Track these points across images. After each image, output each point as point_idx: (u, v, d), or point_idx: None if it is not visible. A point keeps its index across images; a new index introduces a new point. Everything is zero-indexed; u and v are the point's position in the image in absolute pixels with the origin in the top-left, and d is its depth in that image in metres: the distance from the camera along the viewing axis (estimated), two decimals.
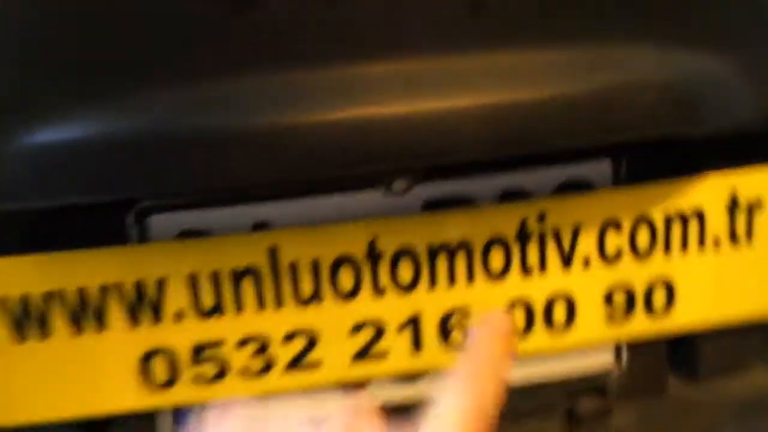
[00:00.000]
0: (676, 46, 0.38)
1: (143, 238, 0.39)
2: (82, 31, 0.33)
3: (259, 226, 0.40)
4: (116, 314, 0.38)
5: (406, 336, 0.42)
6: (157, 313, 0.39)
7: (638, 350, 0.46)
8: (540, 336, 0.44)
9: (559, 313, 0.43)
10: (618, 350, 0.47)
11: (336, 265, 0.40)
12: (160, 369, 0.40)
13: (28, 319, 0.38)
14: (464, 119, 0.35)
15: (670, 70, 0.38)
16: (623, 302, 0.44)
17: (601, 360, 0.46)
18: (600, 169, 0.44)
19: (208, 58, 0.33)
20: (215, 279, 0.39)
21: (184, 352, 0.40)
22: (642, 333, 0.45)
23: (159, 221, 0.39)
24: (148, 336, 0.39)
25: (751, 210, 0.44)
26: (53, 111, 0.33)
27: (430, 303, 0.42)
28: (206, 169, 0.33)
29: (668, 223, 0.44)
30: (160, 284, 0.38)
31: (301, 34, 0.34)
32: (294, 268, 0.40)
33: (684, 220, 0.44)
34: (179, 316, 0.39)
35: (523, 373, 0.45)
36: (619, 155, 0.44)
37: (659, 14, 0.38)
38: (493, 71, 0.36)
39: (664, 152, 0.44)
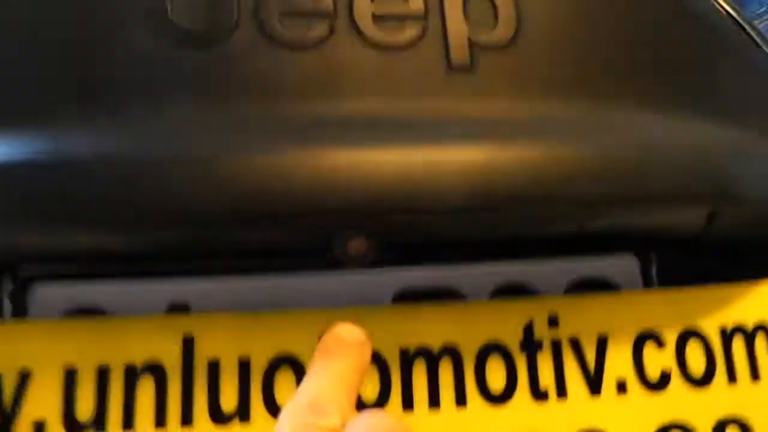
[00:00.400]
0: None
1: (20, 310, 0.29)
2: None
3: (174, 309, 0.31)
4: None
5: None
6: (8, 419, 0.27)
7: None
8: None
9: None
10: None
11: (272, 368, 0.29)
12: None
13: None
14: (449, 177, 0.28)
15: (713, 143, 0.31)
16: None
17: None
18: (623, 264, 0.35)
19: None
20: (100, 376, 0.28)
21: None
22: None
23: (41, 292, 0.30)
24: None
25: None
26: None
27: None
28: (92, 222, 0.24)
29: (727, 339, 0.33)
30: (22, 379, 0.28)
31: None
32: (212, 368, 0.29)
33: (748, 336, 0.33)
34: (38, 428, 0.27)
35: None
36: (647, 250, 0.35)
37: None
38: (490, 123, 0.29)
39: (707, 247, 0.35)
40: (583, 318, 0.32)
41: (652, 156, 0.30)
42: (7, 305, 0.29)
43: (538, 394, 0.31)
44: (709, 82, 0.34)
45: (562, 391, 0.31)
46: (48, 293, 0.30)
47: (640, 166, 0.29)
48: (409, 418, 0.29)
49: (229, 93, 0.28)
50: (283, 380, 0.29)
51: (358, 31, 0.30)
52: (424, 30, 0.30)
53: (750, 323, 0.33)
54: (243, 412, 0.29)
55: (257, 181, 0.26)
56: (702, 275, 0.35)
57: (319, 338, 0.30)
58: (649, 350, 0.32)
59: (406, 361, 0.30)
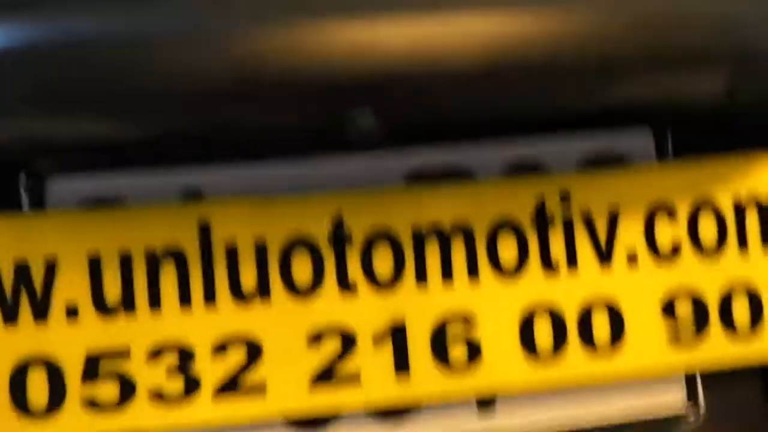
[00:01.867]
0: None
1: (38, 203, 0.30)
2: None
3: (189, 195, 0.31)
4: None
5: (386, 351, 0.30)
6: (42, 306, 0.29)
7: (720, 385, 0.33)
8: (575, 357, 0.31)
9: (601, 326, 0.31)
10: (691, 384, 0.33)
11: (288, 250, 0.30)
12: (39, 387, 0.29)
13: None
14: (456, 52, 0.26)
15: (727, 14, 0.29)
16: (690, 314, 0.32)
17: (668, 398, 0.33)
18: (638, 139, 0.34)
19: None
20: (124, 263, 0.29)
21: (73, 364, 0.29)
22: (721, 358, 0.32)
23: (60, 187, 0.30)
24: (26, 338, 0.29)
25: None
26: None
27: (418, 306, 0.30)
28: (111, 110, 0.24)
29: (739, 210, 0.33)
30: (51, 266, 0.29)
31: None
32: (232, 253, 0.30)
33: (763, 208, 0.33)
34: (71, 312, 0.29)
35: (551, 417, 0.32)
36: (663, 122, 0.34)
37: None
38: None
39: (721, 121, 0.34)
40: (594, 193, 0.32)
41: (670, 16, 0.28)
42: (25, 200, 0.30)
43: (549, 267, 0.31)
44: None
45: (572, 263, 0.31)
46: (64, 186, 0.30)
47: (657, 27, 0.28)
48: (422, 294, 0.30)
49: None
50: (300, 261, 0.30)
51: None
52: None
53: (764, 193, 0.33)
54: (263, 291, 0.30)
55: (265, 57, 0.25)
56: (717, 152, 0.34)
57: (332, 221, 0.31)
58: (661, 222, 0.32)
59: (419, 239, 0.31)
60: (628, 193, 0.32)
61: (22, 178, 0.30)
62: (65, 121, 0.26)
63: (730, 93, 0.31)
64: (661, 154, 0.34)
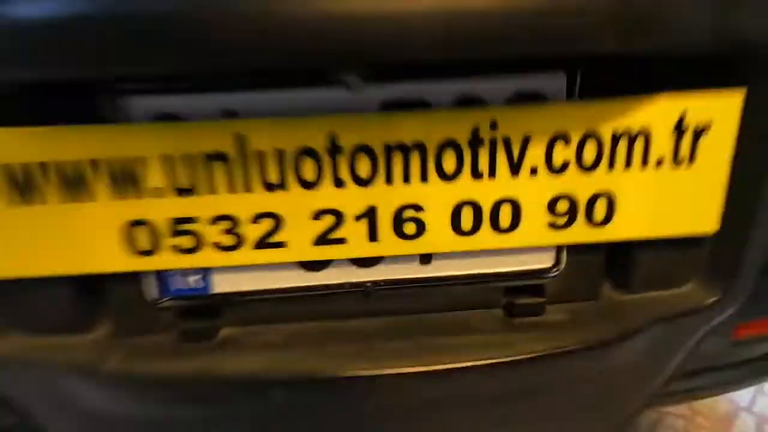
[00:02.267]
0: None
1: (124, 119, 0.44)
2: None
3: (228, 115, 0.44)
4: (102, 186, 0.43)
5: (363, 225, 0.47)
6: (138, 188, 0.44)
7: (577, 256, 0.51)
8: (486, 235, 0.48)
9: (505, 215, 0.47)
10: (558, 254, 0.51)
11: (299, 156, 0.44)
12: (142, 238, 0.45)
13: (27, 187, 0.43)
14: (415, 18, 0.37)
15: None
16: (566, 210, 0.48)
17: (542, 262, 0.51)
18: (554, 82, 0.47)
19: None
20: (188, 161, 0.43)
21: (163, 225, 0.45)
22: (581, 240, 0.49)
23: (137, 104, 0.43)
24: (130, 208, 0.44)
25: (697, 134, 0.47)
26: None
27: (386, 197, 0.46)
28: (172, 51, 0.36)
29: (615, 140, 0.46)
30: (140, 162, 0.43)
31: None
32: (260, 156, 0.44)
33: (631, 139, 0.46)
34: (158, 192, 0.44)
35: (468, 268, 0.50)
36: (573, 69, 0.47)
37: None
38: None
39: (618, 70, 0.46)
40: (515, 123, 0.46)
41: None
42: (107, 114, 0.43)
43: (477, 175, 0.46)
44: None
45: (492, 173, 0.46)
46: (139, 103, 0.43)
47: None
48: (389, 189, 0.46)
49: None
50: (306, 164, 0.44)
51: None
52: None
53: (636, 130, 0.47)
54: (282, 183, 0.45)
55: (273, 27, 0.36)
56: (612, 90, 0.46)
57: (328, 136, 0.44)
58: (558, 147, 0.46)
59: (388, 152, 0.45)
60: (538, 124, 0.46)
61: (110, 96, 0.43)
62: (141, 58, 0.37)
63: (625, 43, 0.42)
64: (570, 94, 0.47)
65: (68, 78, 0.39)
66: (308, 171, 0.45)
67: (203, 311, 0.49)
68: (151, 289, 0.49)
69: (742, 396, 1.89)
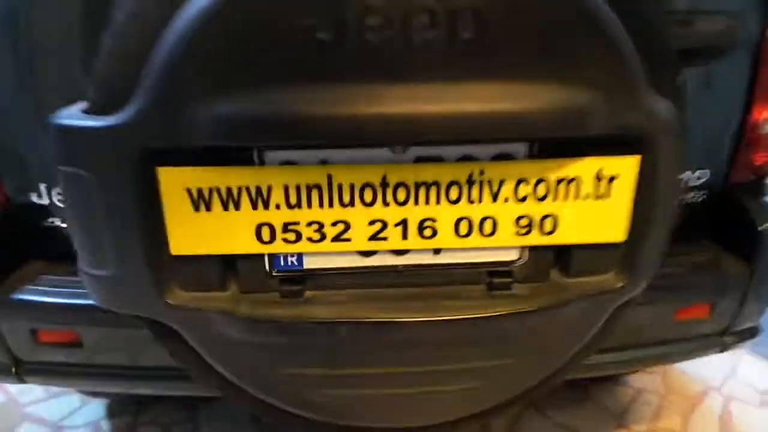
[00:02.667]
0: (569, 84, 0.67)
1: (262, 163, 0.73)
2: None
3: (323, 162, 0.73)
4: (246, 203, 0.73)
5: (399, 230, 0.75)
6: (266, 203, 0.73)
7: (533, 252, 0.79)
8: (476, 238, 0.76)
9: (488, 226, 0.76)
10: (521, 251, 0.80)
11: (363, 187, 0.73)
12: (265, 233, 0.75)
13: (201, 201, 0.72)
14: (436, 119, 0.65)
15: (564, 101, 0.67)
16: (526, 224, 0.76)
17: (511, 256, 0.80)
18: (519, 148, 0.75)
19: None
20: (297, 188, 0.73)
21: (278, 226, 0.74)
22: (535, 243, 0.77)
23: (272, 155, 0.73)
24: (260, 215, 0.74)
25: (610, 180, 0.74)
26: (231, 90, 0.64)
27: (414, 213, 0.75)
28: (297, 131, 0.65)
29: (558, 183, 0.74)
30: (268, 189, 0.72)
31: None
32: (340, 187, 0.73)
33: (568, 182, 0.74)
34: (277, 207, 0.73)
35: (464, 259, 0.79)
36: (532, 141, 0.74)
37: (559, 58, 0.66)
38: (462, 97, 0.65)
39: (560, 142, 0.74)
40: (495, 171, 0.74)
41: None
42: (254, 160, 0.72)
43: (470, 201, 0.74)
44: None
45: (480, 200, 0.74)
46: (271, 155, 0.72)
47: None
48: (416, 209, 0.74)
49: None
50: (367, 193, 0.73)
51: None
52: None
53: (570, 176, 0.74)
54: (352, 203, 0.73)
55: (364, 123, 0.65)
56: (556, 153, 0.74)
57: (381, 176, 0.72)
58: (521, 186, 0.74)
59: (417, 187, 0.73)
60: (509, 172, 0.74)
61: (255, 151, 0.72)
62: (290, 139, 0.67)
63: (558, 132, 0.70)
64: (529, 155, 0.75)
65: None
66: (368, 196, 0.74)
67: (297, 280, 0.79)
68: (267, 264, 0.79)
69: (714, 377, 2.17)
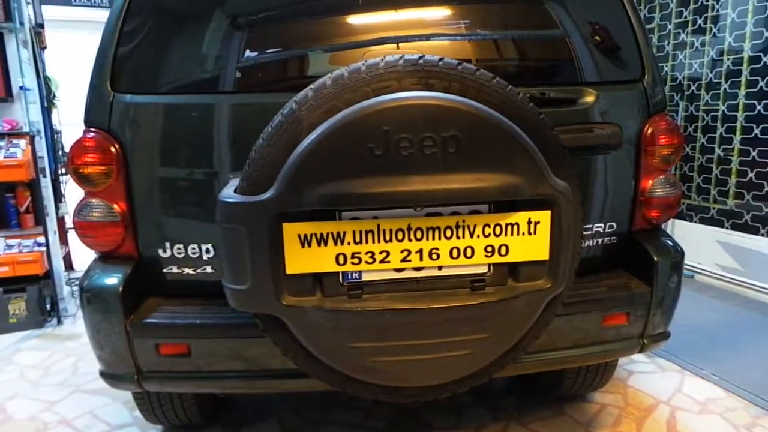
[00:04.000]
0: (508, 172, 1.26)
1: (340, 218, 1.29)
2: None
3: (374, 217, 1.29)
4: (330, 241, 1.28)
5: (418, 255, 1.30)
6: (342, 242, 1.29)
7: (496, 268, 1.35)
8: (462, 260, 1.32)
9: (469, 252, 1.32)
10: (489, 267, 1.35)
11: (397, 231, 1.29)
12: (340, 259, 1.29)
13: (305, 241, 1.28)
14: (439, 194, 1.23)
15: (506, 181, 1.25)
16: (491, 251, 1.32)
17: (483, 270, 1.35)
18: (484, 207, 1.32)
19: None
20: (360, 233, 1.28)
21: (348, 255, 1.29)
22: (496, 261, 1.33)
23: (345, 214, 1.29)
24: (338, 249, 1.29)
25: (536, 224, 1.31)
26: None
27: (426, 246, 1.30)
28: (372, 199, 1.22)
29: (508, 226, 1.31)
30: (344, 233, 1.28)
31: None
32: (384, 231, 1.29)
33: (512, 225, 1.31)
34: (348, 243, 1.29)
35: (456, 272, 1.34)
36: (490, 203, 1.32)
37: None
38: (452, 181, 1.23)
39: (507, 203, 1.32)
40: (471, 221, 1.31)
41: None
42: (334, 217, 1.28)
43: (459, 237, 1.31)
44: None
45: (464, 237, 1.31)
46: (349, 213, 1.29)
47: None
48: (427, 242, 1.30)
49: None
50: (400, 234, 1.29)
51: None
52: None
53: (514, 222, 1.31)
54: (390, 240, 1.29)
55: (406, 197, 1.22)
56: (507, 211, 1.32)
57: (407, 225, 1.28)
58: (487, 229, 1.31)
59: (428, 230, 1.30)
60: (479, 221, 1.31)
61: (338, 212, 1.28)
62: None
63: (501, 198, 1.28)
64: (490, 210, 1.33)
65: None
66: (400, 235, 1.29)
67: (358, 287, 1.33)
68: (340, 278, 1.33)
69: (664, 392, 2.67)
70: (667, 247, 1.82)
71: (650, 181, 1.80)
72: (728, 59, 3.85)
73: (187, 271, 1.71)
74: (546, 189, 1.28)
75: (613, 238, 1.81)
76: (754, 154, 3.79)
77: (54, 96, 4.19)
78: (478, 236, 1.32)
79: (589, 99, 1.72)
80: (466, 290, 1.35)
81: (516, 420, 2.44)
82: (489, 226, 1.31)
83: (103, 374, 1.74)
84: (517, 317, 1.37)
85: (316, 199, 1.22)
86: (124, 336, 1.62)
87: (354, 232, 1.28)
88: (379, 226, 1.29)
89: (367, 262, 1.30)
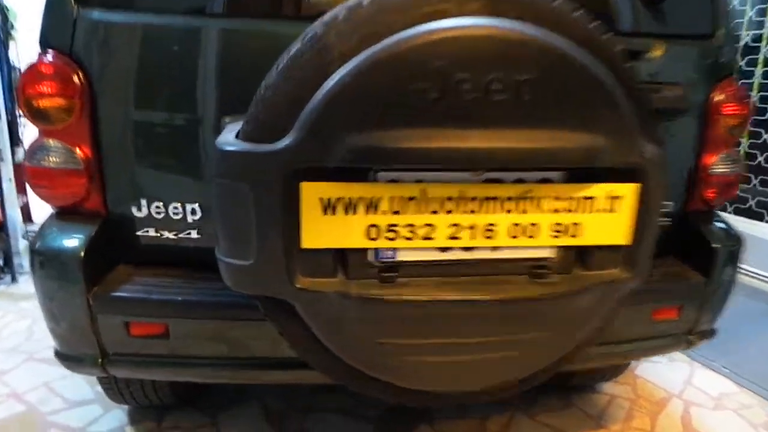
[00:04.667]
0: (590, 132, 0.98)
1: (375, 180, 1.00)
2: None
3: (418, 181, 1.00)
4: (361, 209, 0.99)
5: (469, 232, 1.03)
6: (375, 211, 1.00)
7: (562, 252, 1.08)
8: (523, 239, 1.05)
9: (532, 231, 1.05)
10: (554, 251, 1.09)
11: (446, 200, 1.01)
12: (372, 232, 1.01)
13: (329, 207, 0.98)
14: (504, 154, 0.95)
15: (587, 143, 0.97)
16: (559, 230, 1.05)
17: (547, 253, 1.09)
18: (556, 174, 1.05)
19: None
20: (399, 199, 0.99)
21: (383, 227, 1.01)
22: (566, 244, 1.06)
23: (382, 175, 1.00)
24: (370, 218, 1.00)
25: (616, 199, 1.05)
26: None
27: (480, 220, 1.02)
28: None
29: (582, 200, 1.04)
30: (378, 199, 0.99)
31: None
32: (429, 199, 1.00)
33: (588, 199, 1.04)
34: (383, 212, 1.00)
35: (513, 255, 1.07)
36: (565, 170, 1.05)
37: None
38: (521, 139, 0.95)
39: (582, 171, 1.04)
40: (540, 191, 1.03)
41: None
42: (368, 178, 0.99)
43: (524, 211, 1.03)
44: None
45: (526, 211, 1.04)
46: (382, 175, 0.99)
47: None
48: (483, 216, 1.02)
49: None
50: (449, 204, 1.01)
51: None
52: None
53: (590, 195, 1.05)
54: (437, 211, 1.01)
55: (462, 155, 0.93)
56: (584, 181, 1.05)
57: (459, 191, 1.01)
58: (557, 202, 1.04)
59: (487, 199, 1.02)
60: (551, 192, 1.04)
61: (371, 172, 0.99)
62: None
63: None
64: (565, 181, 1.06)
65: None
66: (449, 206, 1.01)
67: (391, 269, 1.05)
68: (371, 256, 1.05)
69: (675, 385, 2.50)
70: (725, 232, 1.59)
71: (713, 156, 1.56)
72: None
73: (167, 234, 1.40)
74: (636, 156, 1.01)
75: (666, 219, 1.57)
76: (766, 136, 3.61)
77: (12, 27, 3.71)
78: (545, 211, 1.04)
79: (656, 53, 1.44)
80: (523, 278, 1.08)
81: (523, 411, 2.24)
82: (560, 199, 1.04)
83: (58, 354, 1.43)
84: (582, 314, 1.12)
85: (346, 153, 0.92)
86: (85, 311, 1.32)
87: (392, 198, 1.00)
88: (424, 191, 1.00)
89: (406, 238, 1.02)
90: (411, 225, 1.02)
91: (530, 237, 1.05)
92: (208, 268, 1.25)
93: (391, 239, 1.02)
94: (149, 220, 1.39)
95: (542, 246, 1.07)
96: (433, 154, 0.93)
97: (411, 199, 1.00)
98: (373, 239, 1.01)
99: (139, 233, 1.40)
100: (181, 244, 1.40)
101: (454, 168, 1.00)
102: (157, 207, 1.38)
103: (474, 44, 0.91)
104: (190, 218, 1.38)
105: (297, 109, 0.93)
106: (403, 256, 1.05)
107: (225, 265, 1.04)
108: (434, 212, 1.01)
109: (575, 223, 1.06)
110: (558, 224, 1.05)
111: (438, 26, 0.91)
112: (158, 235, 1.40)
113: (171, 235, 1.40)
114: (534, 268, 1.08)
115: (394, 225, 1.01)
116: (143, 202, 1.37)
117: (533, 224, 1.05)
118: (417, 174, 1.01)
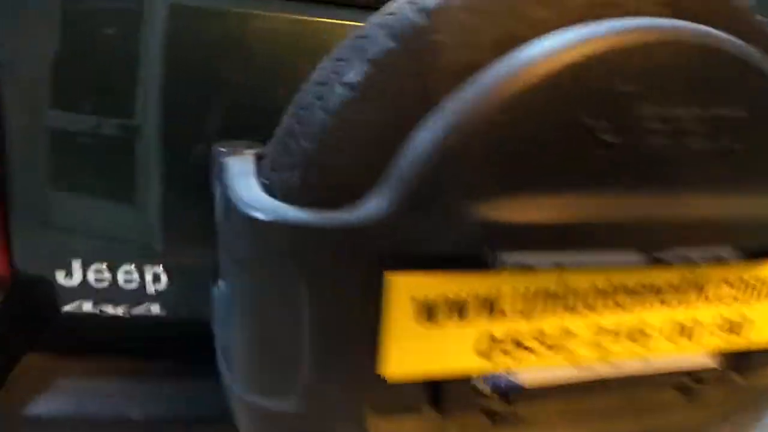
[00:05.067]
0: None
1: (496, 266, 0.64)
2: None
3: (556, 265, 0.66)
4: (473, 313, 0.62)
5: (617, 339, 0.70)
6: (491, 311, 0.64)
7: (725, 357, 0.78)
8: (678, 343, 0.73)
9: (692, 331, 0.73)
10: (716, 356, 0.78)
11: (590, 294, 0.67)
12: (488, 346, 0.64)
13: (428, 312, 0.61)
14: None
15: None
16: (728, 328, 0.75)
17: (706, 360, 0.77)
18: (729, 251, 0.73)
19: None
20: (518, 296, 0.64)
21: (505, 337, 0.65)
22: (728, 348, 0.76)
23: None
24: (486, 326, 0.64)
25: None
26: None
27: (629, 321, 0.70)
28: None
29: (751, 285, 0.74)
30: (498, 298, 0.63)
31: None
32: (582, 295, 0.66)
33: (758, 285, 0.75)
34: (505, 315, 0.64)
35: (664, 366, 0.75)
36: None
37: None
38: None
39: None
40: (704, 274, 0.72)
41: None
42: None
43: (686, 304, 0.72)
44: None
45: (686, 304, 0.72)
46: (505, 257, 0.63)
47: None
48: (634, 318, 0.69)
49: None
50: (596, 298, 0.67)
51: None
52: None
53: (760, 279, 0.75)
54: (574, 309, 0.67)
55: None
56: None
57: (606, 280, 0.67)
58: (725, 289, 0.73)
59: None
60: (717, 275, 0.73)
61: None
62: None
63: None
64: (738, 259, 0.75)
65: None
66: (592, 301, 0.67)
67: (509, 399, 0.69)
68: (479, 380, 0.68)
69: None
70: None
71: None
72: None
73: (113, 311, 0.95)
74: None
75: None
76: None
77: None
78: (712, 302, 0.73)
79: None
80: (674, 395, 0.77)
81: None
82: (728, 284, 0.74)
83: None
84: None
85: (473, 228, 0.56)
86: None
87: (516, 294, 0.64)
88: (563, 281, 0.65)
89: (533, 351, 0.67)
90: (540, 333, 0.66)
91: (689, 339, 0.74)
92: (177, 359, 0.84)
93: (514, 355, 0.66)
94: (83, 289, 0.93)
95: (701, 351, 0.76)
96: (602, 230, 0.59)
97: (544, 293, 0.65)
98: (486, 357, 0.65)
99: (68, 308, 0.94)
100: (138, 323, 0.95)
101: (633, 248, 0.66)
102: (98, 269, 0.92)
103: (662, 58, 0.58)
104: (151, 287, 0.93)
105: (383, 153, 0.55)
106: (525, 379, 0.70)
107: (247, 407, 0.63)
108: (572, 309, 0.67)
109: (742, 316, 0.76)
110: (723, 318, 0.75)
111: (615, 27, 0.57)
112: (97, 311, 0.95)
113: (121, 312, 0.95)
114: (691, 382, 0.77)
115: (519, 335, 0.66)
116: (73, 261, 0.91)
117: (694, 321, 0.73)
118: (556, 256, 0.66)
